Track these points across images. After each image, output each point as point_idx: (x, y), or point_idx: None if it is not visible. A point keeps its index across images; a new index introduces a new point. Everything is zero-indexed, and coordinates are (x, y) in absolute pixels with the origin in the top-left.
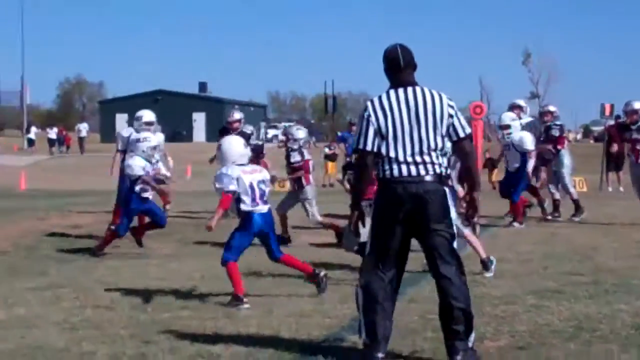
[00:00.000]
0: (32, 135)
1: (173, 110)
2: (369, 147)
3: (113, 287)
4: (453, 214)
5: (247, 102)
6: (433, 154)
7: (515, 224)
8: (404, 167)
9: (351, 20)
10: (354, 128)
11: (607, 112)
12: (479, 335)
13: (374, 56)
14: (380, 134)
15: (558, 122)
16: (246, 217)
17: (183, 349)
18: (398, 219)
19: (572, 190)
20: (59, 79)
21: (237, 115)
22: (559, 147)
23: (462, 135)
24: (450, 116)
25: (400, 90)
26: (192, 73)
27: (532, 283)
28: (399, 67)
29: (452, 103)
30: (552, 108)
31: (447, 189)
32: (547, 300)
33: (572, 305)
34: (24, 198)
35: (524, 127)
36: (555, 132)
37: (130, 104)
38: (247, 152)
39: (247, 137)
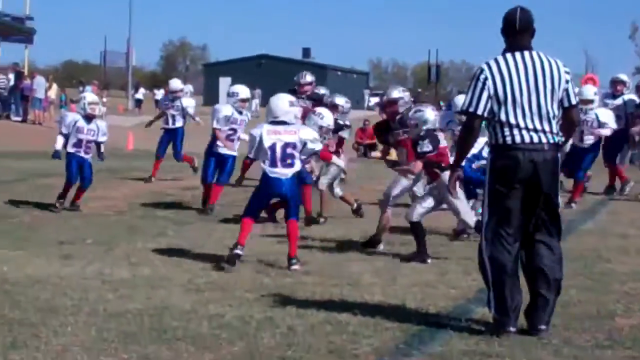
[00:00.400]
0: (140, 96)
1: (276, 75)
2: (480, 111)
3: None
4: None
5: (349, 69)
6: (552, 121)
7: (573, 205)
8: (525, 134)
9: None
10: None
11: None
12: (609, 312)
13: (476, 25)
14: (497, 99)
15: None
16: (262, 178)
17: (310, 315)
18: (515, 185)
19: None
20: (163, 41)
21: (309, 77)
22: None
23: (573, 102)
24: (567, 82)
25: (518, 55)
26: (295, 39)
27: None
28: (514, 30)
29: (567, 69)
30: (622, 77)
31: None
32: None
33: None
34: (132, 158)
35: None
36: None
37: (234, 67)
38: (293, 110)
39: (319, 99)
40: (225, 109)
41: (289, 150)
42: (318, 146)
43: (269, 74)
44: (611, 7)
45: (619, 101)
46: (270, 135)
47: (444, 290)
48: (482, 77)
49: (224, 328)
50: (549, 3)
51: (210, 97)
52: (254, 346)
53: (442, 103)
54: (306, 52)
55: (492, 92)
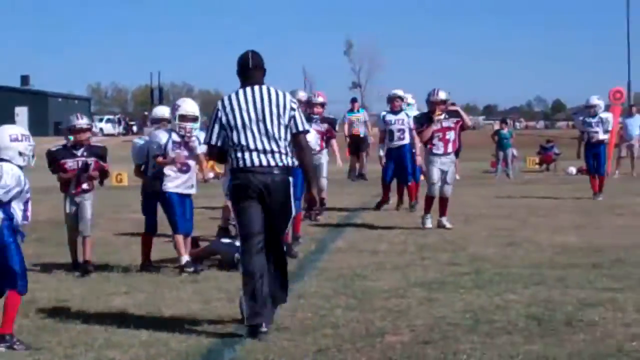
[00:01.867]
0: None
1: None
2: (213, 142)
3: None
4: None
5: (69, 94)
6: (280, 143)
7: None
8: (255, 156)
9: (172, 13)
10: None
11: None
12: (378, 330)
13: (196, 48)
14: (230, 127)
15: None
16: None
17: (79, 355)
18: (253, 198)
19: None
20: None
21: (322, 98)
22: None
23: (300, 129)
24: (292, 109)
25: (249, 89)
26: (13, 66)
27: (414, 275)
28: (248, 68)
29: (294, 100)
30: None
31: (291, 179)
32: (436, 292)
33: (463, 296)
34: None
35: None
36: None
37: None
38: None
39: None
40: None
41: None
42: None
43: None
44: (326, 23)
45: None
46: None
47: (210, 319)
48: (215, 111)
49: None
50: (266, 19)
51: None
52: None
53: None
54: (25, 79)
55: (224, 122)
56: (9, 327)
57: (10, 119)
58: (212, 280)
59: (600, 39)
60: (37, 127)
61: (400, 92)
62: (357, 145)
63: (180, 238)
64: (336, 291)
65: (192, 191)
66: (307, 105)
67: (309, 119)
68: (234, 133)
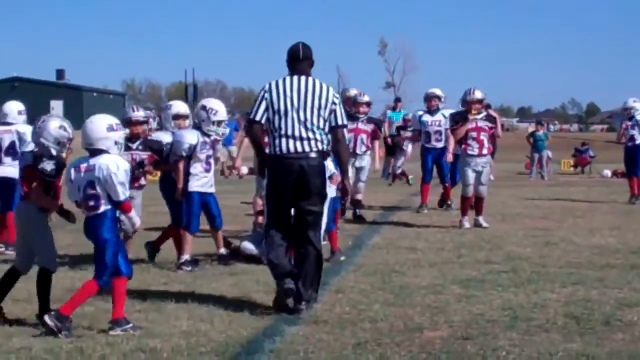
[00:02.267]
0: None
1: (30, 98)
2: (257, 118)
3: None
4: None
5: (104, 89)
6: (317, 132)
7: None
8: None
9: (207, 10)
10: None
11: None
12: (417, 326)
13: (230, 46)
14: (273, 110)
15: None
16: None
17: (121, 343)
18: (286, 188)
19: None
20: None
21: (367, 97)
22: None
23: (339, 123)
24: (334, 104)
25: (295, 77)
26: (49, 60)
27: (452, 272)
28: (298, 59)
29: (337, 95)
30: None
31: (325, 163)
32: (473, 289)
33: (500, 294)
34: None
35: None
36: None
37: None
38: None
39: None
40: None
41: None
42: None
43: (23, 96)
44: (360, 23)
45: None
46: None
47: (249, 311)
48: (262, 92)
49: None
50: (301, 18)
51: None
52: None
53: None
54: (60, 73)
55: (268, 102)
56: (120, 312)
57: (45, 112)
58: (249, 273)
59: (636, 42)
60: (71, 121)
61: (437, 91)
62: (395, 146)
63: (189, 236)
64: (374, 286)
65: (212, 190)
66: (353, 104)
67: (355, 118)
68: (276, 117)
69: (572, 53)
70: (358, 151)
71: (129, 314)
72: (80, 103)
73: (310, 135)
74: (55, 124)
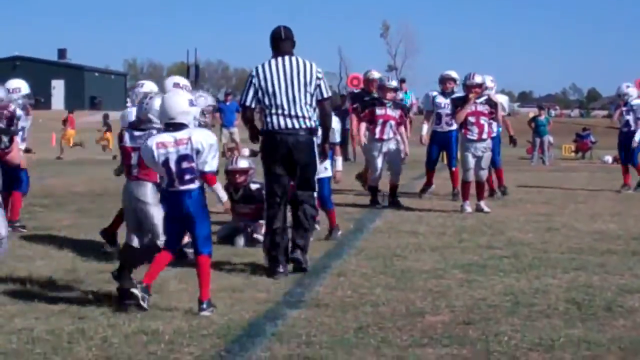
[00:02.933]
0: None
1: (32, 77)
2: (248, 103)
3: (27, 260)
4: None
5: (106, 69)
6: (305, 108)
7: None
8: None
9: None
10: (229, 97)
11: None
12: (418, 310)
13: (232, 27)
14: (262, 92)
15: None
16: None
17: (122, 325)
18: (280, 159)
19: None
20: None
21: (395, 82)
22: None
23: (325, 96)
24: (318, 79)
25: (280, 59)
26: (51, 39)
27: (453, 257)
28: (280, 40)
29: (320, 70)
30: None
31: (314, 139)
32: (475, 274)
33: (502, 279)
34: None
35: None
36: None
37: None
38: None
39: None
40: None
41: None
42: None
43: (24, 75)
44: (363, 6)
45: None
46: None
47: (251, 294)
48: (250, 77)
49: (36, 342)
50: (304, 3)
51: None
52: None
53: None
54: (62, 52)
55: (257, 86)
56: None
57: (46, 92)
58: (251, 255)
59: (637, 27)
60: (73, 101)
61: (453, 74)
62: None
63: None
64: (375, 270)
65: None
66: (380, 89)
67: (383, 104)
68: (266, 98)
69: (574, 38)
70: (385, 137)
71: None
72: (81, 83)
73: (299, 112)
74: (159, 102)
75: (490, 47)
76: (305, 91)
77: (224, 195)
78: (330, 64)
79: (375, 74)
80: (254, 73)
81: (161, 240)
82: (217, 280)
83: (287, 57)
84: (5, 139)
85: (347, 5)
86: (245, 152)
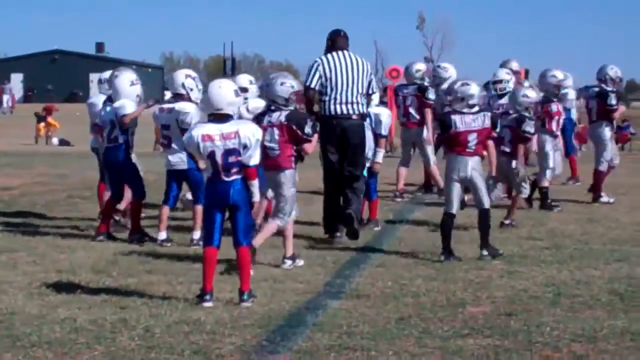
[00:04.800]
0: None
1: (70, 71)
2: (312, 85)
3: (68, 250)
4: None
5: (143, 63)
6: (359, 98)
7: None
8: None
9: None
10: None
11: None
12: (459, 301)
13: (268, 20)
14: (325, 78)
15: None
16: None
17: (165, 315)
18: (334, 140)
19: None
20: None
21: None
22: None
23: (372, 92)
24: (370, 74)
25: (340, 52)
26: (89, 33)
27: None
28: (340, 36)
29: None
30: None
31: (365, 123)
32: (516, 265)
33: (543, 270)
34: None
35: None
36: None
37: (27, 63)
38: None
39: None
40: None
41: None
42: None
43: (63, 69)
44: None
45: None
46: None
47: (291, 285)
48: (315, 63)
49: (79, 332)
50: None
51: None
52: (113, 349)
53: None
54: (100, 46)
55: (321, 73)
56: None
57: (85, 86)
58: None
59: None
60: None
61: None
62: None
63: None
64: (416, 261)
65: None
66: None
67: None
68: (327, 84)
69: (610, 29)
70: None
71: (172, 286)
72: None
73: (354, 99)
74: (279, 82)
75: (525, 39)
76: (361, 83)
77: (257, 194)
78: (366, 56)
79: (422, 66)
80: (319, 61)
81: (285, 220)
82: (257, 270)
83: (345, 52)
84: None
85: None
86: None
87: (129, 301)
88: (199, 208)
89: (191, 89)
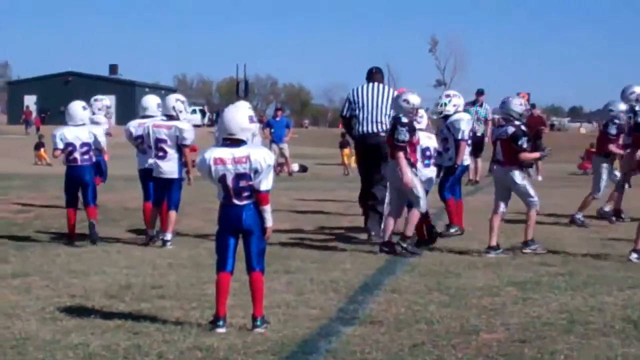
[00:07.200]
0: None
1: (83, 92)
2: (343, 113)
3: (82, 275)
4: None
5: (156, 85)
6: (384, 119)
7: None
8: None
9: (258, 7)
10: (280, 113)
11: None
12: (473, 328)
13: (282, 43)
14: (356, 106)
15: None
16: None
17: (177, 341)
18: (365, 155)
19: None
20: None
21: None
22: None
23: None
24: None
25: (371, 84)
26: (102, 55)
27: (507, 274)
28: (373, 73)
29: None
30: None
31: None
32: (530, 292)
33: (557, 297)
34: None
35: None
36: None
37: (40, 85)
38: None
39: None
40: None
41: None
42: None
43: (76, 91)
44: (411, 21)
45: None
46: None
47: (305, 311)
48: (348, 95)
49: (92, 358)
50: (351, 16)
51: (14, 115)
52: None
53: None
54: (113, 68)
55: (352, 101)
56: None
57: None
58: (304, 271)
59: None
60: (124, 116)
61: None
62: (474, 146)
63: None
64: (429, 287)
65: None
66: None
67: None
68: (357, 110)
69: (622, 51)
70: None
71: (185, 311)
72: (132, 98)
73: (381, 119)
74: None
75: (539, 61)
76: (386, 107)
77: (270, 220)
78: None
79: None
80: (350, 93)
81: (421, 207)
82: (269, 296)
83: (375, 84)
84: None
85: (395, 20)
86: (295, 167)
87: (142, 327)
88: (173, 214)
89: (180, 111)
